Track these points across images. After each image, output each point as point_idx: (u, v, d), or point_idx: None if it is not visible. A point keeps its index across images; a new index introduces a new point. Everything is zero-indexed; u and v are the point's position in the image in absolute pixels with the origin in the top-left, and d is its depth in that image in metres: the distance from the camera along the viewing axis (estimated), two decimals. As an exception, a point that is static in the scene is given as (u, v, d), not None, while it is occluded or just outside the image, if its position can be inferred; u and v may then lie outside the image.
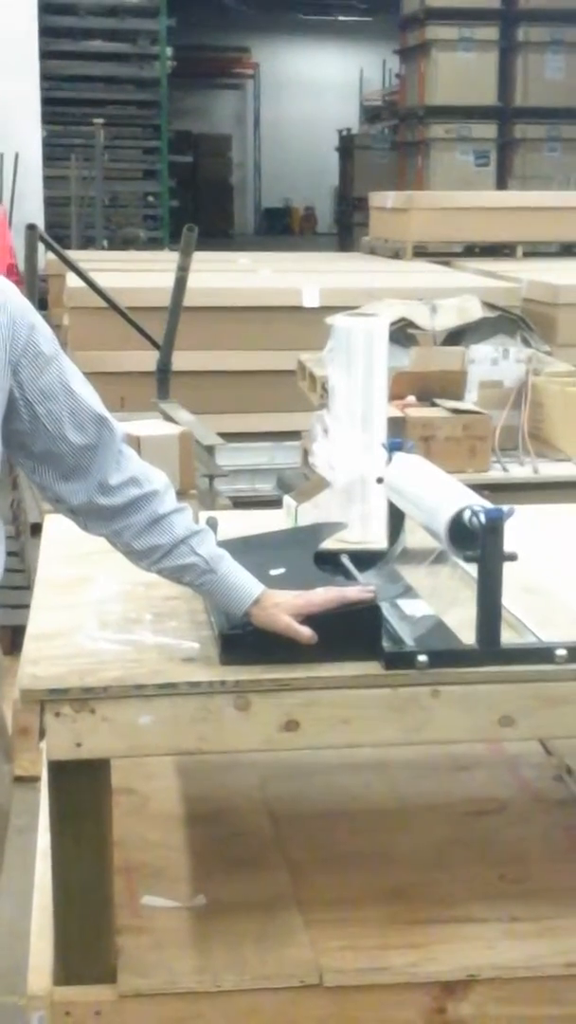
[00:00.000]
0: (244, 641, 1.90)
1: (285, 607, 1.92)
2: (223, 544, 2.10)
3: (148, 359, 5.45)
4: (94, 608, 2.13)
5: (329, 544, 2.31)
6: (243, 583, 1.95)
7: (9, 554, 5.03)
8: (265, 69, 25.39)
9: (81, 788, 1.89)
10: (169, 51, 12.99)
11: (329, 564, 2.22)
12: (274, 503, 5.07)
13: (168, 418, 4.56)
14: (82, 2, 12.43)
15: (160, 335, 5.36)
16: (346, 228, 19.92)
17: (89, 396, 1.95)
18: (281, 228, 24.95)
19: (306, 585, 2.01)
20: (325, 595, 1.95)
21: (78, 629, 2.03)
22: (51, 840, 1.95)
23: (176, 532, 1.95)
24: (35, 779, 3.70)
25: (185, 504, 2.02)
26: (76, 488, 1.94)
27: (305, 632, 1.90)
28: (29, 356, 1.88)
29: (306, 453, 5.01)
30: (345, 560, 2.27)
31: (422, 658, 1.89)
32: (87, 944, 1.93)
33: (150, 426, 2.65)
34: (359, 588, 2.00)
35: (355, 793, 2.53)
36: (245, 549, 2.27)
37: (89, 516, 1.97)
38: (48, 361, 1.91)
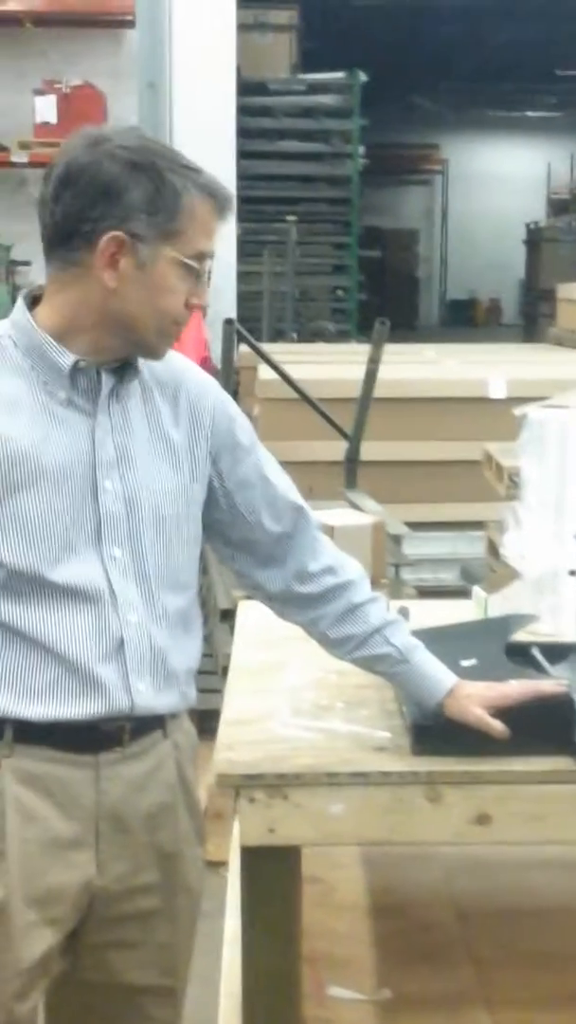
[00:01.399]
0: (436, 732, 1.91)
1: (478, 699, 1.91)
2: (414, 634, 2.12)
3: (336, 449, 5.53)
4: (287, 695, 2.16)
5: (520, 636, 2.30)
6: (436, 673, 1.95)
7: (198, 639, 5.12)
8: (453, 164, 25.72)
9: (272, 874, 1.91)
10: (361, 150, 13.27)
11: (520, 656, 2.21)
12: (457, 593, 5.09)
13: (355, 507, 4.61)
14: (279, 104, 12.83)
15: (348, 426, 5.44)
16: (531, 319, 19.90)
17: (285, 485, 2.01)
18: (465, 320, 25.05)
19: (498, 677, 2.01)
20: (519, 688, 1.94)
21: (272, 715, 2.06)
22: (241, 926, 1.96)
23: (371, 622, 1.96)
24: (222, 864, 3.74)
25: (379, 594, 2.05)
26: (274, 575, 1.99)
27: (497, 726, 1.89)
28: (229, 447, 1.95)
29: (491, 543, 4.99)
30: (536, 652, 2.25)
31: (616, 755, 1.86)
32: (275, 1032, 1.94)
33: (342, 515, 2.69)
34: (553, 682, 1.99)
35: (542, 891, 2.48)
36: (436, 639, 2.28)
37: (286, 603, 2.01)
38: (247, 452, 1.97)
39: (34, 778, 1.80)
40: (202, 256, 1.81)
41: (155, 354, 1.85)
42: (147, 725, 1.88)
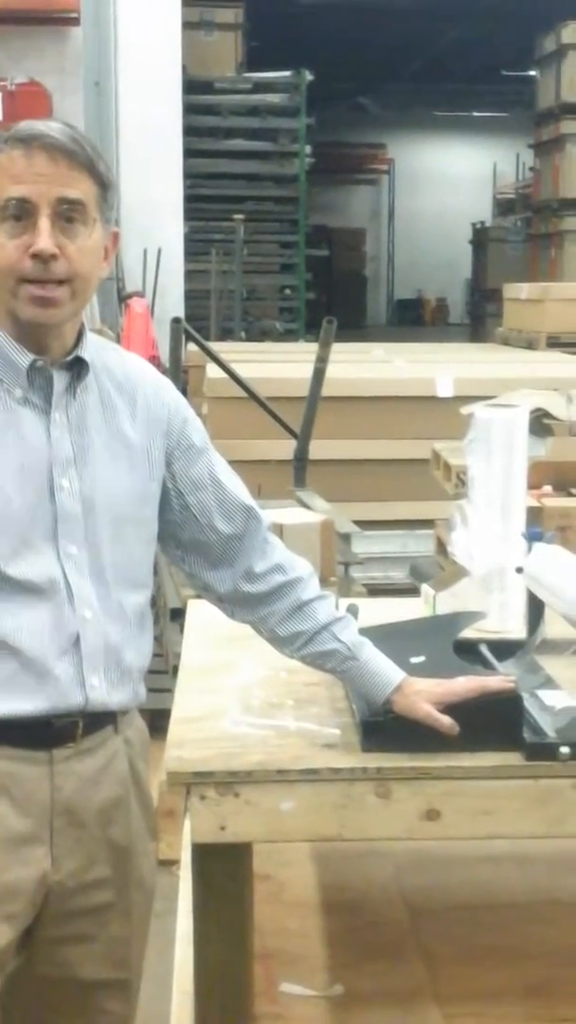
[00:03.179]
0: (385, 728, 1.92)
1: (426, 695, 1.92)
2: (364, 631, 2.14)
3: (285, 448, 5.55)
4: (237, 693, 2.16)
5: (468, 633, 2.32)
6: (384, 670, 1.96)
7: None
8: (400, 164, 25.83)
9: (224, 871, 1.91)
10: (308, 149, 13.31)
11: (469, 653, 2.23)
12: (407, 591, 5.12)
13: (304, 506, 4.62)
14: (225, 102, 12.83)
15: (297, 424, 5.45)
16: (478, 319, 20.03)
17: (237, 487, 2.02)
18: (413, 319, 25.18)
19: (446, 674, 2.02)
20: (466, 684, 1.95)
21: (222, 713, 2.06)
22: (193, 923, 1.97)
23: (319, 619, 1.98)
24: (173, 863, 3.74)
25: (328, 592, 2.06)
26: (223, 576, 2.00)
27: (446, 721, 1.90)
28: (183, 448, 1.96)
29: (440, 541, 5.03)
30: (484, 650, 2.27)
31: (564, 750, 1.88)
32: (227, 1029, 1.95)
33: (291, 514, 2.70)
34: (500, 678, 2.01)
35: (492, 885, 2.50)
36: (385, 637, 2.29)
37: (236, 603, 2.02)
38: (200, 453, 1.99)
39: None
40: (20, 201, 1.76)
41: (31, 319, 1.80)
42: (100, 721, 1.89)
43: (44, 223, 1.76)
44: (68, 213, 1.78)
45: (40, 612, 1.81)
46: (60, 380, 1.85)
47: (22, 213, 1.76)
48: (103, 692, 1.86)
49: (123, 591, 1.90)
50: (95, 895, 1.90)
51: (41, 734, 1.83)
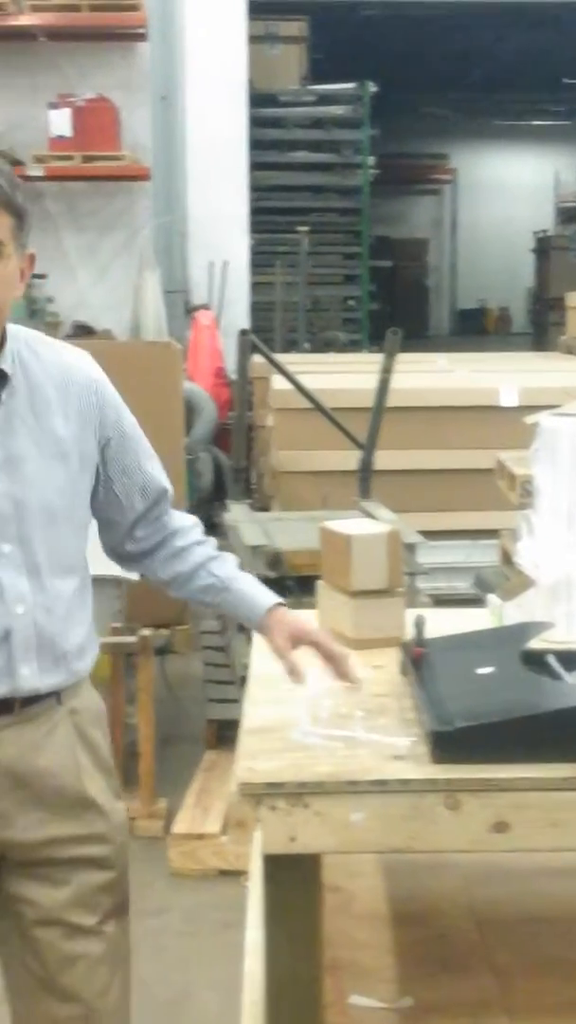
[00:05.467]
0: (455, 740, 1.92)
1: (286, 627, 2.14)
2: (432, 642, 2.16)
3: (350, 458, 5.55)
4: (306, 704, 2.17)
5: (535, 644, 2.31)
6: (256, 597, 2.18)
7: (215, 649, 5.19)
8: (462, 174, 25.76)
9: (293, 882, 1.92)
10: (371, 160, 13.31)
11: (536, 664, 2.22)
12: (471, 601, 5.09)
13: (369, 516, 4.62)
14: (289, 115, 12.88)
15: (361, 435, 5.46)
16: (541, 328, 19.91)
17: (157, 470, 2.19)
18: (476, 329, 25.07)
19: (514, 684, 2.03)
20: (322, 635, 2.22)
21: (291, 724, 2.07)
22: (264, 934, 1.97)
23: (195, 560, 2.19)
24: (240, 873, 3.76)
25: (211, 539, 2.25)
26: (124, 541, 2.19)
27: (290, 662, 2.10)
28: (116, 438, 2.10)
29: (505, 552, 5.00)
30: (552, 660, 2.26)
31: None
32: (297, 1039, 1.95)
33: (358, 524, 2.70)
34: (342, 653, 2.19)
35: (559, 898, 2.49)
36: (453, 647, 2.31)
37: (128, 560, 2.23)
38: (130, 440, 2.13)
39: None
40: None
41: None
42: (39, 697, 2.02)
43: None
44: None
45: None
46: None
47: None
48: (34, 679, 1.99)
49: (58, 579, 2.02)
50: (57, 850, 2.03)
51: None
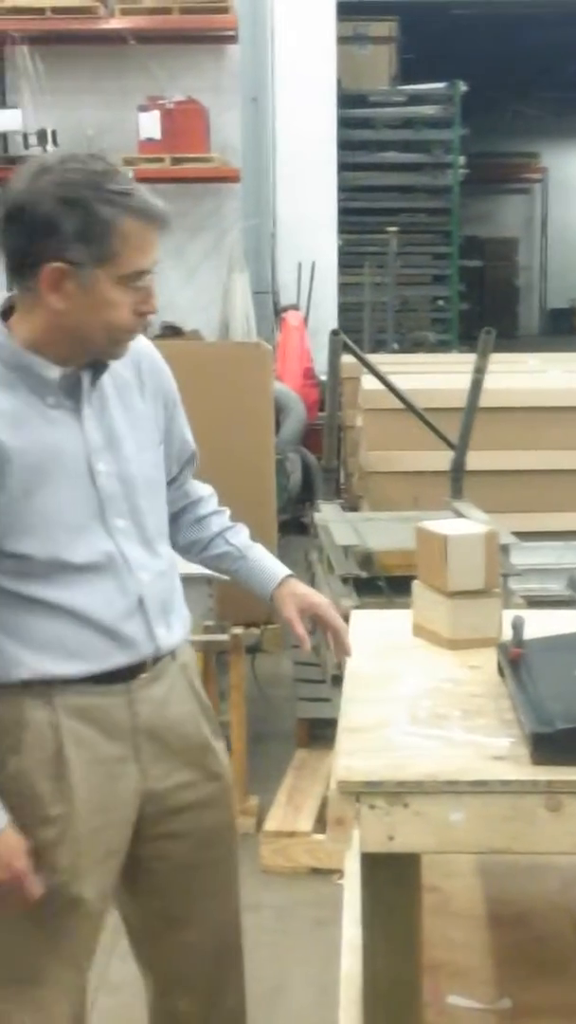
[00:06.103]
0: (556, 741, 1.90)
1: (297, 599, 2.28)
2: (530, 643, 2.16)
3: (441, 459, 5.52)
4: (404, 703, 2.16)
5: None
6: (271, 568, 2.32)
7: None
8: (553, 172, 25.50)
9: (392, 882, 1.91)
10: (461, 159, 13.25)
11: None
12: (565, 603, 5.04)
13: (461, 517, 4.60)
14: (379, 115, 12.86)
15: (452, 435, 5.43)
16: None
17: (190, 434, 2.33)
18: (566, 329, 24.78)
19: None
20: (330, 608, 2.33)
21: (389, 723, 2.06)
22: (362, 933, 1.97)
23: (213, 529, 2.33)
24: (334, 872, 3.76)
25: (225, 508, 2.39)
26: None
27: (300, 631, 2.24)
28: (171, 403, 2.25)
29: (601, 555, 4.95)
30: None
31: None
32: (395, 1039, 1.95)
33: (455, 525, 2.69)
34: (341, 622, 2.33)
35: None
36: (550, 648, 2.28)
37: None
38: (178, 408, 2.27)
39: (82, 711, 2.07)
40: (141, 272, 1.99)
41: (113, 357, 2.08)
42: (162, 655, 2.18)
43: (149, 288, 2.02)
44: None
45: (106, 584, 2.07)
46: (86, 379, 2.07)
47: (141, 280, 2.00)
48: (166, 638, 2.16)
49: (163, 546, 2.19)
50: (183, 795, 2.20)
51: (120, 675, 2.10)
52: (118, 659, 2.09)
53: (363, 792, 1.85)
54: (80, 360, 2.04)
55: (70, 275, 1.94)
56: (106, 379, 2.09)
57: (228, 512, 2.39)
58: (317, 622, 2.33)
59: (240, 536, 2.36)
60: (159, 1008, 2.36)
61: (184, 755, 2.21)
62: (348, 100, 11.91)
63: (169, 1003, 2.33)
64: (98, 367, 2.07)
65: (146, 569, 2.11)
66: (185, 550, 2.36)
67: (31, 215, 1.92)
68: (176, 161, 8.56)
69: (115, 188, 1.94)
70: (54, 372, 2.01)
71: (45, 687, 2.05)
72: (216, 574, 2.55)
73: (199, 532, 2.34)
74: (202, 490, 2.38)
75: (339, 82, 10.86)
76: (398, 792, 1.84)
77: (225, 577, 2.43)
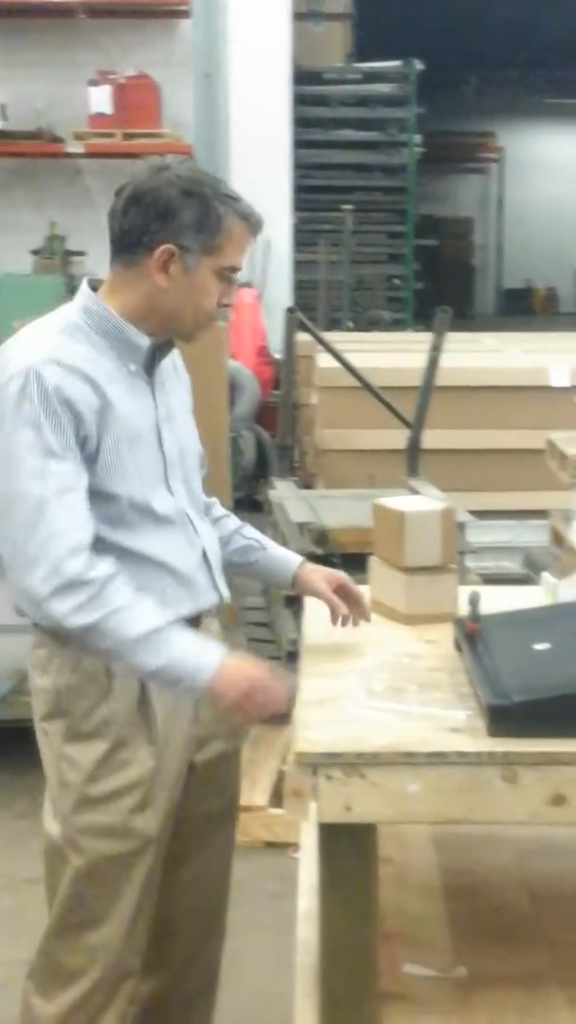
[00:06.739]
0: (512, 713, 1.92)
1: (323, 574, 2.45)
2: (489, 618, 2.18)
3: (397, 437, 5.55)
4: (361, 677, 2.18)
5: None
6: (287, 555, 2.52)
7: (258, 624, 5.23)
8: (509, 152, 25.55)
9: (349, 852, 1.93)
10: (417, 138, 13.25)
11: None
12: (519, 581, 5.08)
13: (417, 495, 4.62)
14: (334, 93, 12.83)
15: (408, 414, 5.45)
16: (589, 308, 19.75)
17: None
18: (522, 309, 24.90)
19: (571, 660, 2.03)
20: (351, 582, 2.46)
21: (347, 696, 2.08)
22: (319, 902, 1.99)
23: (230, 527, 2.52)
24: (286, 845, 3.79)
25: (230, 512, 2.60)
26: None
27: (335, 599, 2.40)
28: (191, 404, 2.45)
29: (555, 531, 4.99)
30: (608, 637, 2.26)
31: None
32: (352, 1006, 1.96)
33: (412, 501, 2.71)
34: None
35: (613, 874, 2.50)
36: (509, 624, 2.31)
37: None
38: (192, 412, 2.46)
39: None
40: (234, 269, 2.24)
41: (190, 339, 2.31)
42: (222, 605, 2.40)
43: (234, 285, 2.27)
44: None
45: (178, 537, 2.28)
46: (158, 354, 2.29)
47: (230, 277, 2.24)
48: (225, 590, 2.38)
49: (203, 513, 2.40)
50: (215, 746, 2.40)
51: (191, 623, 2.27)
52: (191, 606, 2.28)
53: (321, 764, 1.87)
54: (160, 338, 2.26)
55: (179, 258, 2.18)
56: (165, 361, 2.31)
57: (234, 516, 2.59)
58: (342, 593, 2.44)
59: (252, 531, 2.55)
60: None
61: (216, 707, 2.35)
62: (303, 77, 11.85)
63: (152, 953, 2.39)
64: (164, 348, 2.29)
65: (204, 527, 2.35)
66: None
67: (154, 199, 2.17)
68: (127, 136, 8.46)
69: (227, 191, 2.22)
70: (144, 341, 2.23)
71: None
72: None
73: (220, 531, 2.48)
74: (208, 496, 2.54)
75: (294, 59, 10.81)
76: (355, 763, 1.86)
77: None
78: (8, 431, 2.11)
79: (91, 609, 2.09)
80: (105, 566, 2.11)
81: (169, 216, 2.17)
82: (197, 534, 2.32)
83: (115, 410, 2.17)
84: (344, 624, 2.43)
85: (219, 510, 2.54)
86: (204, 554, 2.32)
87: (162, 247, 2.17)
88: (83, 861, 2.24)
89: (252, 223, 2.25)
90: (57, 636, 2.19)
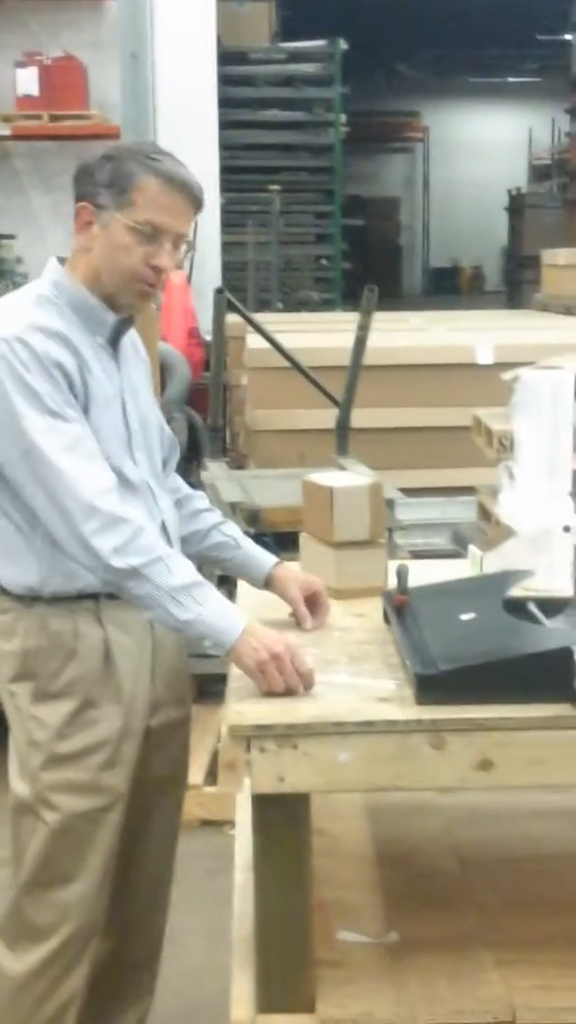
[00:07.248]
0: (439, 682, 1.96)
1: (297, 581, 2.41)
2: (415, 591, 2.21)
3: (327, 417, 5.58)
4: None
5: (516, 592, 2.36)
6: (262, 555, 2.49)
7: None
8: (435, 132, 25.68)
9: (283, 822, 1.97)
10: (343, 118, 13.26)
11: (517, 611, 2.27)
12: (448, 556, 5.13)
13: (345, 472, 4.66)
14: (260, 73, 12.80)
15: (337, 393, 5.48)
16: (514, 286, 19.96)
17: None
18: (448, 288, 25.06)
19: (496, 631, 2.08)
20: (323, 588, 2.43)
21: (278, 670, 2.11)
22: (254, 872, 2.02)
23: (210, 521, 2.53)
24: (222, 822, 3.82)
25: (214, 507, 2.62)
26: None
27: (304, 612, 2.36)
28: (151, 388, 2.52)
29: (482, 507, 5.05)
30: (533, 607, 2.31)
31: (613, 701, 1.92)
32: (288, 974, 2.00)
33: (340, 477, 2.74)
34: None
35: (540, 838, 2.55)
36: (436, 595, 2.35)
37: None
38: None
39: (123, 624, 2.33)
40: (154, 227, 2.24)
41: (135, 309, 2.37)
42: None
43: (165, 247, 2.26)
44: (178, 243, 2.30)
45: (141, 507, 2.30)
46: (120, 329, 2.36)
47: (154, 235, 2.24)
48: None
49: (164, 487, 2.44)
50: (170, 712, 2.45)
51: None
52: None
53: (254, 736, 1.90)
54: (113, 309, 2.32)
55: (94, 215, 2.26)
56: (125, 339, 2.38)
57: (217, 511, 2.60)
58: (311, 602, 2.41)
59: (232, 528, 2.56)
60: None
61: (172, 674, 2.44)
62: (228, 57, 11.82)
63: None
64: (125, 324, 2.36)
65: (164, 500, 2.40)
66: (184, 540, 2.50)
67: (81, 167, 2.30)
68: (54, 118, 8.41)
69: (148, 153, 2.27)
70: (110, 316, 2.31)
71: (94, 602, 2.30)
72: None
73: (198, 524, 2.52)
74: (186, 486, 2.59)
75: (219, 39, 10.78)
76: (287, 735, 1.90)
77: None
78: (7, 395, 2.18)
79: (134, 553, 2.14)
80: (136, 512, 2.20)
81: (87, 177, 2.28)
82: (157, 506, 2.37)
83: (93, 375, 2.27)
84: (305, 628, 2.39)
85: (202, 502, 2.57)
86: (164, 525, 2.37)
87: (79, 205, 2.28)
88: (56, 817, 2.29)
89: (171, 179, 2.25)
90: (22, 599, 2.30)
